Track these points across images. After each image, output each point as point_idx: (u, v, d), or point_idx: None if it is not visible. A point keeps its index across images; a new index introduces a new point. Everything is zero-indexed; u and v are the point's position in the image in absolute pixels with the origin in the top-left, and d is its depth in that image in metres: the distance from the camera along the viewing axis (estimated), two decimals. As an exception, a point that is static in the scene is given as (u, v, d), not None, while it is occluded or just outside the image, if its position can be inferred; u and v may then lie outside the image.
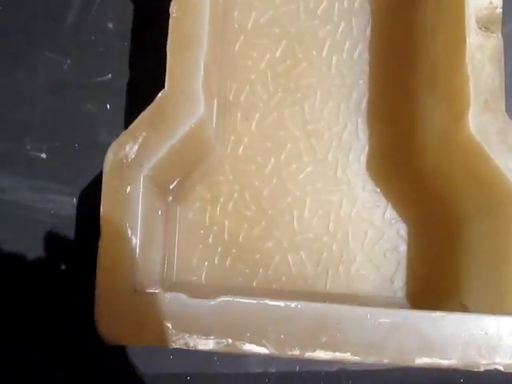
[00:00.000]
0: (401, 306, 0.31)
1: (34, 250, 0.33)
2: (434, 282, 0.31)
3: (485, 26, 0.28)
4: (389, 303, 0.31)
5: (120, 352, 0.31)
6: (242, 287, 0.31)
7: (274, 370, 0.32)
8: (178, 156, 0.28)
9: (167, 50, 0.27)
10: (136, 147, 0.26)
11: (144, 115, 0.27)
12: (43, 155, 0.34)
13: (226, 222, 0.32)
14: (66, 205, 0.33)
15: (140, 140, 0.26)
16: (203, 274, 0.31)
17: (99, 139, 0.34)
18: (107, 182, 0.26)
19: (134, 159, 0.26)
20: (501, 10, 0.27)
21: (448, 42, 0.28)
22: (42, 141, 0.34)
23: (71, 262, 0.33)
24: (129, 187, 0.26)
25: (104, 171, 0.26)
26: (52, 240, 0.33)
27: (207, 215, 0.32)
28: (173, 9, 0.28)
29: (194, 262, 0.31)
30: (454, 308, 0.29)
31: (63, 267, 0.33)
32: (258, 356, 0.31)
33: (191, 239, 0.32)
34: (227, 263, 0.31)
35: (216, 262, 0.31)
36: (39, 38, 0.35)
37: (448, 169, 0.30)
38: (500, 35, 0.27)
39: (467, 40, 0.27)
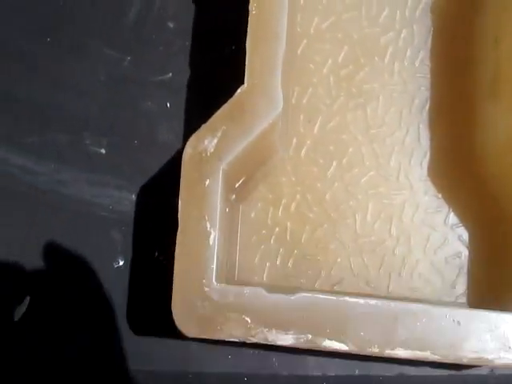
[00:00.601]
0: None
1: (91, 243, 0.32)
2: (497, 288, 0.31)
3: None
4: (451, 309, 0.30)
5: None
6: (304, 288, 0.31)
7: (332, 374, 0.31)
8: (251, 153, 0.28)
9: (247, 47, 0.27)
10: (215, 141, 0.27)
11: (223, 110, 0.27)
12: (102, 150, 0.34)
13: (288, 224, 0.32)
14: (125, 200, 0.33)
15: (219, 134, 0.27)
16: (264, 275, 0.31)
17: (158, 137, 0.34)
18: (186, 175, 0.26)
19: (212, 153, 0.27)
20: None
21: (505, 53, 0.29)
22: (102, 136, 0.34)
23: (128, 258, 0.32)
24: (208, 180, 0.26)
25: (183, 164, 0.27)
26: (110, 235, 0.33)
27: (269, 216, 0.32)
28: (252, 6, 0.28)
29: (256, 261, 0.31)
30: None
31: (121, 263, 0.32)
32: (317, 359, 0.31)
33: (253, 239, 0.32)
34: (289, 264, 0.31)
35: (278, 262, 0.31)
36: (100, 34, 0.35)
37: (508, 175, 0.30)
38: None
39: None
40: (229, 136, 0.26)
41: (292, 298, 0.25)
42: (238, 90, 0.27)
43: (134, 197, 0.34)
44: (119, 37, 0.36)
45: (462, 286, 0.32)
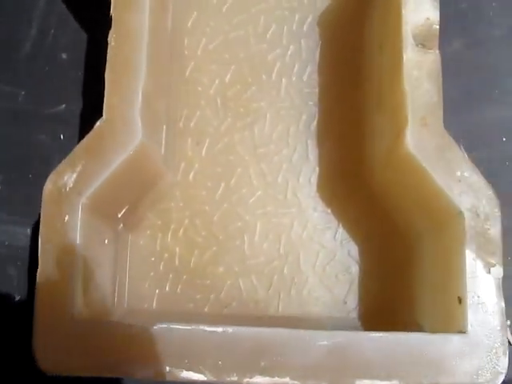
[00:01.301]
0: (354, 327, 0.30)
1: None
2: (388, 301, 0.31)
3: (422, 42, 0.28)
4: (342, 324, 0.30)
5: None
6: (193, 313, 0.31)
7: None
8: (121, 184, 0.28)
9: (105, 80, 0.27)
10: (74, 176, 0.27)
11: (82, 144, 0.27)
12: (-6, 184, 0.34)
13: (177, 249, 0.32)
14: (20, 235, 0.33)
15: (78, 169, 0.27)
16: (154, 301, 0.31)
17: (52, 169, 0.33)
18: (46, 212, 0.26)
19: (72, 188, 0.26)
20: (437, 27, 0.27)
21: (390, 59, 0.28)
22: (-3, 170, 0.34)
23: (24, 293, 0.32)
24: (67, 216, 0.26)
25: (43, 201, 0.26)
26: (6, 271, 0.33)
27: (158, 242, 0.32)
28: (111, 38, 0.28)
29: (146, 289, 0.31)
30: (410, 327, 0.28)
31: (17, 298, 0.32)
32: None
33: (142, 267, 0.31)
34: (178, 290, 0.31)
35: (167, 288, 0.31)
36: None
37: (394, 187, 0.30)
38: (437, 51, 0.28)
39: (404, 57, 0.27)
40: (88, 170, 0.26)
41: (150, 330, 0.25)
42: (97, 123, 0.27)
43: (29, 231, 0.33)
44: (12, 72, 0.36)
45: (353, 301, 0.31)
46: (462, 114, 0.35)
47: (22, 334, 0.31)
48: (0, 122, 0.35)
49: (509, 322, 0.32)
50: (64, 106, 0.35)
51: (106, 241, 0.29)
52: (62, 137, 0.35)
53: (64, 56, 0.36)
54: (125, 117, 0.27)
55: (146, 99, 0.28)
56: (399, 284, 0.31)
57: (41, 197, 0.31)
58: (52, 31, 0.37)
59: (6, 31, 0.37)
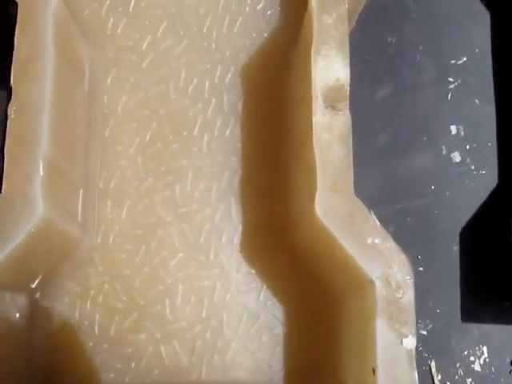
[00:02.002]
0: (279, 391, 0.29)
1: None
2: (313, 362, 0.30)
3: (332, 104, 0.27)
4: (267, 389, 0.29)
5: None
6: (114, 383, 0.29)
7: None
8: (26, 258, 0.27)
9: (5, 154, 0.26)
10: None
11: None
12: None
13: (97, 316, 0.31)
14: None
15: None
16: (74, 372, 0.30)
17: None
18: None
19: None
20: (348, 87, 0.26)
21: (304, 117, 0.28)
22: None
23: None
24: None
25: None
26: None
27: (77, 309, 0.31)
28: (11, 110, 0.27)
29: (65, 358, 0.30)
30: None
31: None
32: None
33: (61, 336, 0.30)
34: (98, 359, 0.30)
35: (88, 357, 0.30)
36: None
37: (313, 248, 0.29)
38: (348, 112, 0.27)
39: (314, 119, 0.26)
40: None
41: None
42: (-3, 198, 0.26)
43: None
44: None
45: (278, 364, 0.30)
46: (389, 162, 0.34)
47: None
48: None
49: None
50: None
51: (18, 315, 0.28)
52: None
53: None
54: (25, 193, 0.26)
55: (51, 171, 0.27)
56: (324, 344, 0.30)
57: None
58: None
59: None
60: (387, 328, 0.25)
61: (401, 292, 0.25)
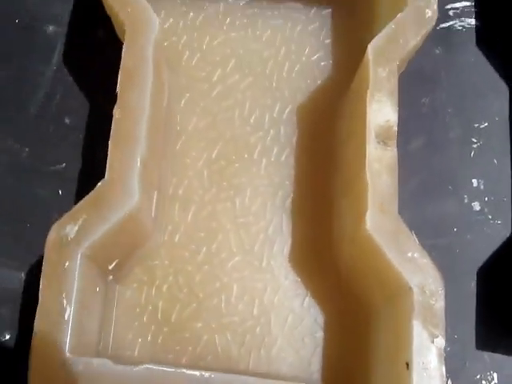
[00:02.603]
0: (316, 387, 0.33)
1: None
2: (347, 367, 0.34)
3: (383, 140, 0.32)
4: (305, 384, 0.33)
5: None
6: (171, 363, 0.33)
7: None
8: (115, 239, 0.31)
9: (109, 146, 0.31)
10: (76, 228, 0.29)
11: (86, 200, 0.30)
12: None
13: (160, 303, 0.34)
14: (14, 279, 0.35)
15: (80, 222, 0.29)
16: (136, 350, 0.34)
17: (50, 221, 0.36)
18: (48, 258, 0.29)
19: (73, 238, 0.29)
20: (396, 128, 0.32)
21: (355, 150, 0.32)
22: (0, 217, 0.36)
23: (14, 333, 0.34)
24: (67, 263, 0.29)
25: (46, 247, 0.29)
26: None
27: (143, 295, 0.34)
28: (116, 111, 0.31)
29: (129, 337, 0.34)
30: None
31: (7, 337, 0.34)
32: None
33: (127, 317, 0.34)
34: (159, 340, 0.34)
35: (149, 339, 0.34)
36: (2, 126, 0.38)
37: (357, 264, 0.33)
38: (395, 149, 0.32)
39: (367, 152, 0.31)
40: (88, 224, 0.29)
41: (134, 369, 0.27)
42: (99, 183, 0.30)
43: (23, 275, 0.36)
44: (20, 129, 0.39)
45: (316, 364, 0.34)
46: (418, 205, 0.39)
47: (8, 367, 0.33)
48: (4, 174, 0.38)
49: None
50: (64, 164, 0.38)
51: (98, 289, 0.32)
52: (60, 192, 0.37)
53: (67, 120, 0.39)
54: (124, 180, 0.30)
55: (143, 166, 0.31)
56: (357, 352, 0.34)
57: (37, 246, 0.34)
58: (58, 97, 0.40)
59: (18, 93, 0.40)
60: (422, 328, 0.29)
61: (434, 299, 0.30)
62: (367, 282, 0.34)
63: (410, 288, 0.30)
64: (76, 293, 0.29)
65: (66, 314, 0.29)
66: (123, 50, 0.33)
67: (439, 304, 0.30)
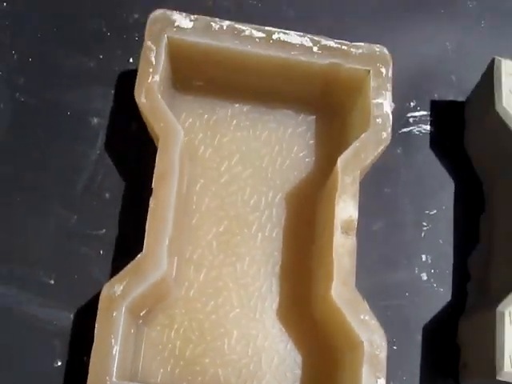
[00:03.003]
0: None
1: (36, 347, 0.45)
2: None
3: (346, 231, 0.43)
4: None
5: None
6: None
7: None
8: (147, 295, 0.41)
9: (146, 228, 0.42)
10: (121, 288, 0.40)
11: (128, 267, 0.40)
12: (52, 281, 0.47)
13: (178, 343, 0.45)
14: (65, 318, 0.46)
15: (124, 283, 0.40)
16: (159, 378, 0.43)
17: (93, 275, 0.47)
18: (101, 308, 0.39)
19: (119, 295, 0.40)
20: (356, 223, 0.42)
21: (326, 237, 0.44)
22: (52, 271, 0.47)
23: (64, 360, 0.45)
24: (114, 313, 0.39)
25: (100, 301, 0.40)
26: (52, 342, 0.45)
27: (165, 336, 0.45)
28: (151, 202, 0.42)
29: (153, 368, 0.43)
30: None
31: (59, 363, 0.45)
32: None
33: (152, 352, 0.44)
34: (176, 371, 0.44)
35: (168, 369, 0.44)
36: (55, 195, 0.50)
37: (326, 319, 0.44)
38: (355, 238, 0.42)
39: (334, 239, 0.42)
40: (130, 285, 0.39)
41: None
42: (139, 255, 0.41)
43: (72, 316, 0.46)
44: (69, 201, 0.50)
45: (298, 398, 0.44)
46: (378, 274, 0.51)
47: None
48: (56, 235, 0.48)
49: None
50: (104, 230, 0.49)
51: (132, 331, 0.43)
52: (101, 252, 0.48)
53: (107, 195, 0.50)
54: (156, 254, 0.41)
55: (169, 242, 0.42)
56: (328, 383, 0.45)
57: (82, 293, 0.45)
58: (100, 176, 0.51)
59: (68, 171, 0.51)
60: (369, 372, 0.40)
61: (379, 350, 0.41)
62: (334, 334, 0.45)
63: (362, 342, 0.41)
64: (120, 335, 0.39)
65: (114, 350, 0.39)
66: (157, 156, 0.43)
67: (383, 354, 0.41)
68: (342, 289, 0.41)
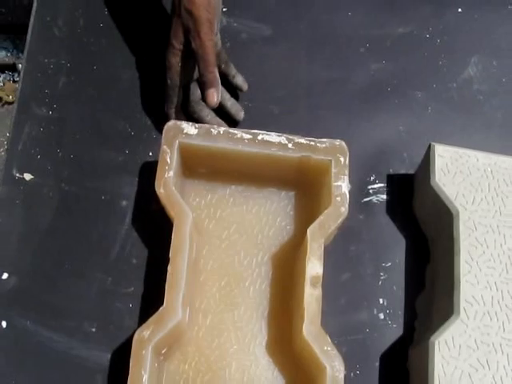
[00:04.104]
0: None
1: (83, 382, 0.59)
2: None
3: (314, 284, 0.56)
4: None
5: None
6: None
7: None
8: (167, 337, 0.55)
9: (166, 288, 0.56)
10: (148, 332, 0.53)
11: (153, 317, 0.54)
12: (93, 329, 0.61)
13: (190, 373, 0.58)
14: (103, 357, 0.60)
15: (150, 329, 0.53)
16: (177, 401, 0.58)
17: (125, 324, 0.62)
18: (134, 348, 0.53)
19: (147, 338, 0.53)
20: (321, 278, 0.55)
21: (300, 289, 0.58)
22: (94, 322, 0.61)
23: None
24: (143, 351, 0.53)
25: (133, 343, 0.54)
26: (94, 376, 0.60)
27: (180, 368, 0.58)
28: (169, 268, 0.55)
29: (172, 394, 0.58)
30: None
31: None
32: None
33: (171, 381, 0.58)
34: (189, 395, 0.58)
35: (184, 395, 0.58)
36: (94, 262, 0.63)
37: (303, 351, 0.58)
38: (320, 288, 0.55)
39: (305, 290, 0.55)
40: (154, 331, 0.53)
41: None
42: (161, 308, 0.55)
43: (109, 356, 0.60)
44: (105, 267, 0.64)
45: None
46: (345, 314, 0.64)
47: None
48: (96, 295, 0.62)
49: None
50: (132, 288, 0.63)
51: (156, 365, 0.57)
52: (130, 305, 0.63)
53: (134, 261, 0.65)
54: (174, 307, 0.54)
55: (183, 297, 0.56)
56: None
57: (116, 338, 0.59)
58: (128, 247, 0.65)
59: (103, 244, 0.65)
60: (331, 391, 0.54)
61: (338, 373, 0.54)
62: (307, 362, 0.58)
63: (325, 367, 0.54)
64: (148, 368, 0.53)
65: (144, 378, 0.52)
66: (173, 233, 0.57)
67: (341, 375, 0.55)
68: (310, 327, 0.54)
